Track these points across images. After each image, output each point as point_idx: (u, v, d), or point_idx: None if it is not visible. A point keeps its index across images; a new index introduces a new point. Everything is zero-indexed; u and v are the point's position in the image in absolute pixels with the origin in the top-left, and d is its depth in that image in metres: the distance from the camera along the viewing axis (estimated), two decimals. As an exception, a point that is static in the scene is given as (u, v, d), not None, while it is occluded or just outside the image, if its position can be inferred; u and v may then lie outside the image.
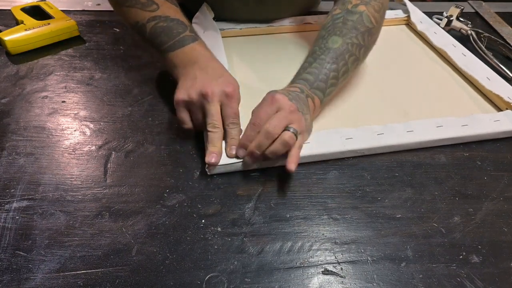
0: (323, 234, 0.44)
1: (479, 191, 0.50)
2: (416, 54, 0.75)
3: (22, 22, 0.71)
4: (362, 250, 0.43)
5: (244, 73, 0.67)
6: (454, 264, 0.42)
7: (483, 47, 0.76)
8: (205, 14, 0.73)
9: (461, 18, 0.83)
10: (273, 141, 0.47)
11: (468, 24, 0.82)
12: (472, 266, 0.42)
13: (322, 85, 0.54)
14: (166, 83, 0.63)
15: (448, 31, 0.80)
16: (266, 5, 0.74)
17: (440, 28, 0.79)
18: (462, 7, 0.82)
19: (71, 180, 0.48)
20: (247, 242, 0.43)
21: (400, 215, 0.47)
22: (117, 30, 0.76)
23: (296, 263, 0.41)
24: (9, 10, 0.75)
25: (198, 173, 0.50)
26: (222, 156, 0.49)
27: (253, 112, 0.50)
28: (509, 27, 0.86)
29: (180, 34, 0.55)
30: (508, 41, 0.81)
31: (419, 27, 0.80)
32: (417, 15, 0.83)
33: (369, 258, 0.42)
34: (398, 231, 0.45)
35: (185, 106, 0.51)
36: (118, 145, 0.53)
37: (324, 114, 0.59)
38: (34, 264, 0.39)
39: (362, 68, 0.67)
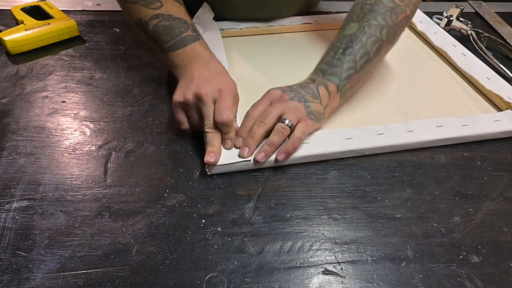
0: (323, 234, 0.44)
1: (479, 191, 0.50)
2: (416, 54, 0.75)
3: (22, 22, 0.71)
4: (362, 250, 0.43)
5: (244, 72, 0.67)
6: (454, 264, 0.42)
7: (483, 47, 0.76)
8: (205, 14, 0.73)
9: (461, 18, 0.83)
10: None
11: (468, 24, 0.82)
12: (472, 266, 0.42)
13: (336, 70, 0.54)
14: (167, 83, 0.63)
15: (448, 31, 0.80)
16: (266, 3, 0.74)
17: (440, 28, 0.79)
18: (462, 7, 0.82)
19: (71, 180, 0.48)
20: (247, 242, 0.43)
21: (400, 215, 0.47)
22: (117, 30, 0.76)
23: (296, 263, 0.41)
24: (9, 10, 0.75)
25: (198, 173, 0.50)
26: (222, 156, 0.49)
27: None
28: (509, 27, 0.86)
29: (181, 34, 0.55)
30: (508, 41, 0.81)
31: (419, 27, 0.80)
32: (417, 15, 0.83)
33: (369, 258, 0.42)
34: (398, 231, 0.45)
35: (182, 108, 0.52)
36: (118, 145, 0.53)
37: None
38: (34, 264, 0.39)
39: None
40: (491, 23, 0.88)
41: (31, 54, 0.68)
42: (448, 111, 0.61)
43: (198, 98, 0.50)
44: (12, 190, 0.46)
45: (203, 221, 0.44)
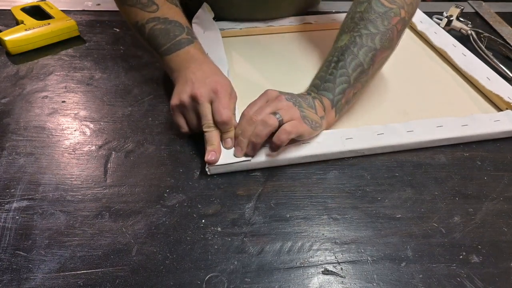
0: (323, 234, 0.44)
1: (479, 191, 0.50)
2: (416, 54, 0.75)
3: (22, 22, 0.71)
4: (362, 250, 0.43)
5: (244, 72, 0.67)
6: (454, 264, 0.42)
7: (483, 47, 0.76)
8: (205, 14, 0.73)
9: (461, 18, 0.83)
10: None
11: (468, 24, 0.82)
12: (472, 266, 0.42)
13: (329, 85, 0.53)
14: (166, 83, 0.63)
15: (448, 31, 0.80)
16: (266, 3, 0.74)
17: (440, 28, 0.79)
18: (462, 7, 0.82)
19: (71, 180, 0.48)
20: (247, 242, 0.43)
21: (400, 215, 0.47)
22: (117, 30, 0.76)
23: (296, 263, 0.41)
24: (9, 10, 0.75)
25: (198, 173, 0.50)
26: (222, 155, 0.49)
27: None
28: (509, 27, 0.86)
29: (176, 37, 0.55)
30: (508, 41, 0.81)
31: (419, 27, 0.80)
32: (417, 15, 0.83)
33: (369, 258, 0.42)
34: (398, 231, 0.45)
35: (180, 111, 0.52)
36: (118, 145, 0.53)
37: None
38: (34, 264, 0.39)
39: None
40: (491, 23, 0.88)
41: (31, 54, 0.68)
42: (448, 111, 0.61)
43: (194, 99, 0.50)
44: (12, 190, 0.46)
45: (203, 221, 0.44)
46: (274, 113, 0.48)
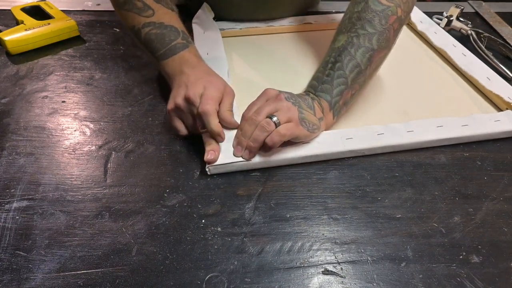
0: (323, 234, 0.44)
1: (479, 191, 0.50)
2: (416, 54, 0.75)
3: (22, 22, 0.71)
4: (362, 250, 0.43)
5: (244, 72, 0.67)
6: (454, 264, 0.42)
7: (483, 47, 0.76)
8: (205, 14, 0.73)
9: (461, 18, 0.83)
10: None
11: (468, 24, 0.82)
12: (472, 266, 0.42)
13: (327, 87, 0.53)
14: (166, 83, 0.63)
15: (448, 31, 0.80)
16: (266, 3, 0.74)
17: (440, 28, 0.79)
18: (462, 7, 0.82)
19: (71, 180, 0.48)
20: (247, 242, 0.43)
21: (400, 215, 0.47)
22: (117, 30, 0.76)
23: (296, 263, 0.41)
24: (9, 10, 0.75)
25: (198, 173, 0.50)
26: (221, 155, 0.49)
27: None
28: (509, 27, 0.86)
29: (172, 42, 0.55)
30: (508, 41, 0.81)
31: (419, 27, 0.80)
32: (417, 15, 0.83)
33: (369, 258, 0.42)
34: (398, 231, 0.45)
35: (176, 115, 0.52)
36: (118, 145, 0.53)
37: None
38: (34, 264, 0.39)
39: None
40: (491, 23, 0.88)
41: (31, 54, 0.68)
42: (448, 111, 0.61)
43: (188, 101, 0.50)
44: (12, 190, 0.46)
45: (203, 221, 0.44)
46: (271, 116, 0.48)
